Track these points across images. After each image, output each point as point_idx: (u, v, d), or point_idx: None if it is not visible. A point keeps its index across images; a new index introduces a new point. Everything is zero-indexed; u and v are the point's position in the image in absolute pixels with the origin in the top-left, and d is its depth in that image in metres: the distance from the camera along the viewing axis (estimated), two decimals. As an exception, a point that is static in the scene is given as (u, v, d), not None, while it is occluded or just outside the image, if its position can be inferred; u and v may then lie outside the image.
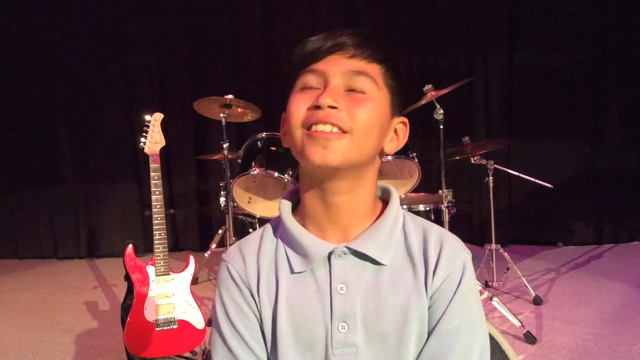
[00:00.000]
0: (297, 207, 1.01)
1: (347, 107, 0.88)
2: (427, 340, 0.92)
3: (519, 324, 2.90)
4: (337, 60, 0.91)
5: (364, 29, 0.96)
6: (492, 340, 1.08)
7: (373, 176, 0.97)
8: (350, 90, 0.91)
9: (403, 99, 0.98)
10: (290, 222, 0.97)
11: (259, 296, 0.95)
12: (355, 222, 0.96)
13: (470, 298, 0.93)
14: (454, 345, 0.90)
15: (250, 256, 0.98)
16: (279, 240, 0.98)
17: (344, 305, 0.92)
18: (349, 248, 0.93)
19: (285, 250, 0.96)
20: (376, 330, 0.92)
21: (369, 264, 0.94)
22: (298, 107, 0.91)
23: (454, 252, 0.94)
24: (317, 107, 0.88)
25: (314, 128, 0.88)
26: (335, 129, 0.88)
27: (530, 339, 2.85)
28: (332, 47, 0.91)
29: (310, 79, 0.92)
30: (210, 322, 2.85)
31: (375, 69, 0.92)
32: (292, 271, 0.94)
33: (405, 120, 1.00)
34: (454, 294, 0.92)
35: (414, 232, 0.97)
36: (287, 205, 1.00)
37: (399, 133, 0.99)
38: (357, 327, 0.92)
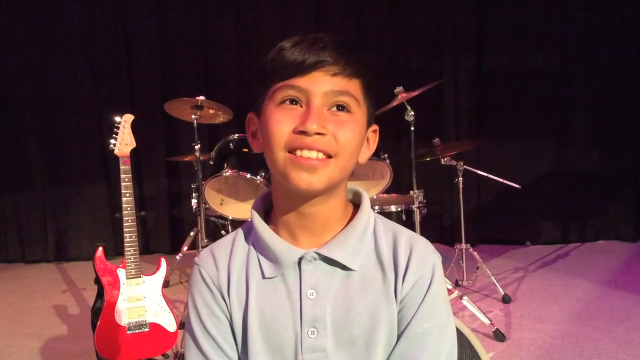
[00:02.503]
0: (269, 211, 1.02)
1: (332, 130, 0.88)
2: (396, 343, 0.93)
3: (489, 322, 2.94)
4: (320, 79, 0.88)
5: (347, 37, 0.94)
6: (463, 337, 1.09)
7: (345, 183, 0.98)
8: (332, 108, 0.89)
9: (374, 105, 0.98)
10: (262, 228, 0.97)
11: (229, 299, 0.95)
12: (328, 228, 0.96)
13: (439, 301, 0.94)
14: (423, 348, 0.91)
15: (222, 260, 0.98)
16: (251, 246, 0.98)
17: (313, 311, 0.92)
18: (318, 254, 0.94)
19: (257, 256, 0.97)
20: (345, 335, 0.92)
21: (338, 270, 0.94)
22: (280, 127, 0.88)
23: (424, 256, 0.95)
24: (303, 132, 0.86)
25: (298, 153, 0.87)
26: (320, 155, 0.87)
27: (499, 336, 2.89)
28: (315, 64, 0.87)
29: (290, 94, 0.89)
30: (183, 324, 2.84)
31: (356, 85, 0.91)
32: (263, 276, 0.95)
33: (376, 127, 1.00)
34: (424, 298, 0.92)
35: (384, 236, 0.97)
36: (258, 210, 1.00)
37: (370, 141, 0.99)
38: (327, 332, 0.92)
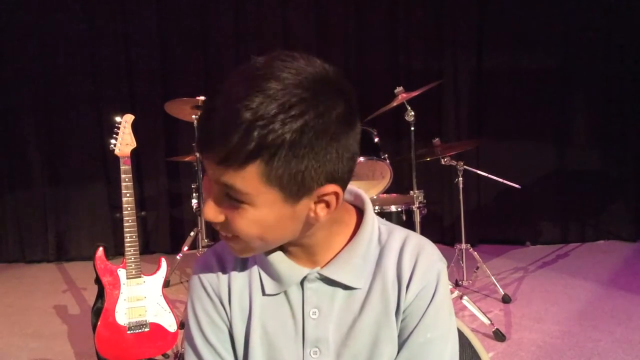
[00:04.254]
0: None
1: (228, 217, 0.82)
2: (398, 352, 0.91)
3: (489, 322, 2.94)
4: (209, 165, 0.79)
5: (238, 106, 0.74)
6: (463, 337, 1.09)
7: (332, 225, 0.92)
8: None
9: (322, 166, 0.78)
10: None
11: (230, 309, 0.94)
12: (328, 247, 0.93)
13: (443, 310, 0.93)
14: (425, 357, 0.90)
15: (223, 268, 0.96)
16: (250, 258, 0.96)
17: (316, 330, 0.91)
18: (321, 274, 0.92)
19: (258, 270, 0.95)
20: (348, 353, 0.91)
21: (340, 289, 0.93)
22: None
23: (429, 264, 0.92)
24: None
25: None
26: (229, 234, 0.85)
27: (499, 336, 2.90)
28: (202, 148, 0.79)
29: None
30: (183, 324, 2.84)
31: (249, 173, 0.76)
32: (263, 293, 0.93)
33: (336, 189, 0.82)
34: (427, 308, 0.91)
35: (388, 246, 0.94)
36: None
37: (329, 203, 0.84)
38: (330, 352, 0.91)
